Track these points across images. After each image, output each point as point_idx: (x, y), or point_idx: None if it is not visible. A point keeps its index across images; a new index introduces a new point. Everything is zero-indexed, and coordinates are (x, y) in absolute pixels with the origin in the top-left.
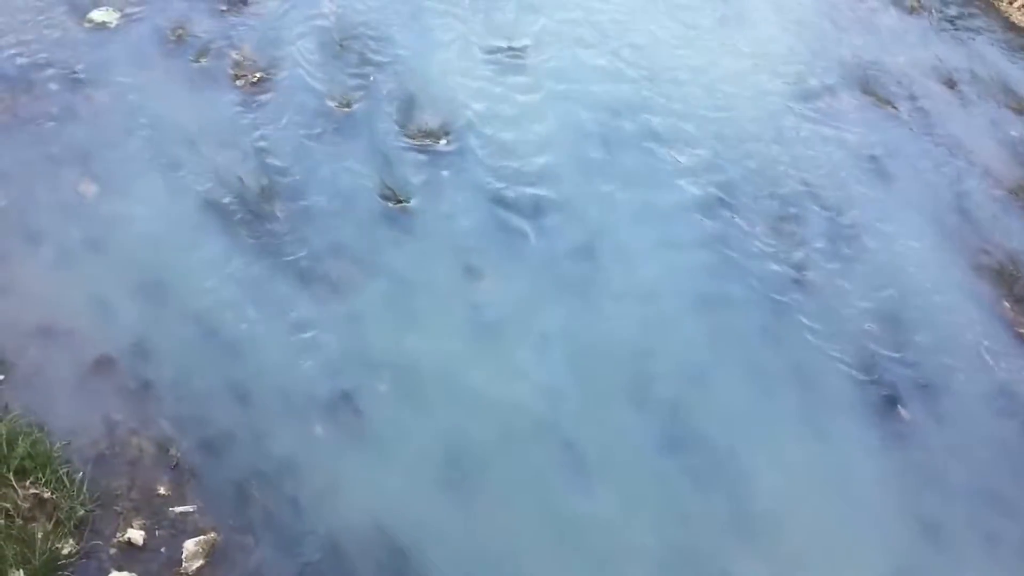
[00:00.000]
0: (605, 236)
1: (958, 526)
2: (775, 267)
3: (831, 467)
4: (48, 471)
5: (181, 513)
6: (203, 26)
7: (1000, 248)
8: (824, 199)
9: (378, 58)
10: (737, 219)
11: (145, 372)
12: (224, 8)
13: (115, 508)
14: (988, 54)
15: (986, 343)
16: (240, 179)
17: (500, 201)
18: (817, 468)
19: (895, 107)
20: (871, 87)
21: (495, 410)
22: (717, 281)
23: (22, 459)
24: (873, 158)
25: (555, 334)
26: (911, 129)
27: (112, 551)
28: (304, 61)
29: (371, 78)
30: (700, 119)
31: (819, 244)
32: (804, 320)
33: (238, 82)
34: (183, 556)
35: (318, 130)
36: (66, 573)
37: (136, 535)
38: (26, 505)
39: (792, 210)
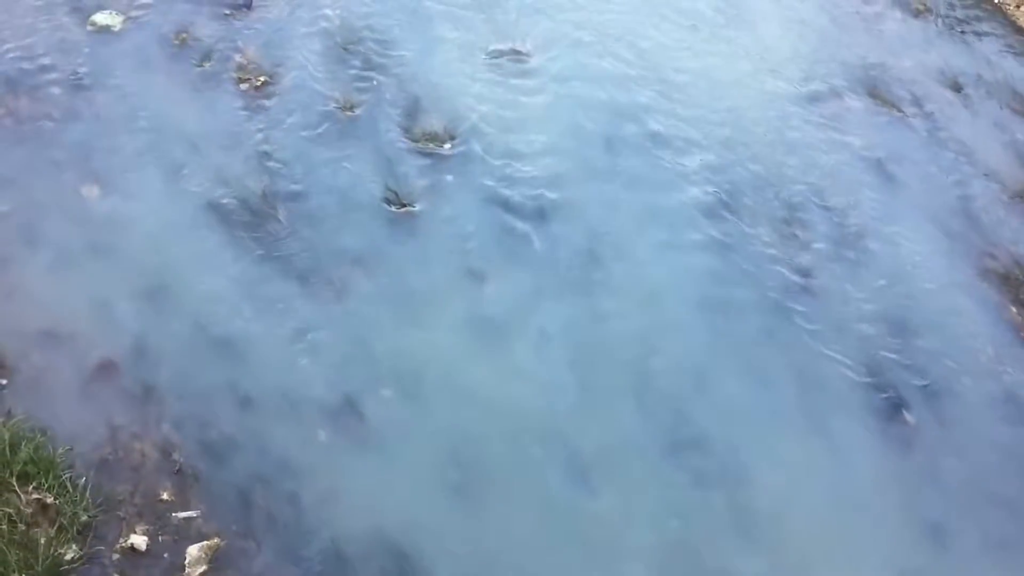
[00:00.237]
0: (609, 239)
1: (963, 531)
2: (779, 270)
3: (835, 471)
4: (51, 476)
5: (184, 518)
6: (207, 30)
7: (1006, 252)
8: (829, 202)
9: (382, 61)
10: (741, 222)
11: (148, 376)
12: (228, 12)
13: (118, 513)
14: (995, 57)
15: (992, 348)
16: (243, 183)
17: (504, 204)
18: (821, 472)
19: (901, 110)
20: (876, 90)
21: (499, 414)
22: (721, 284)
23: (25, 464)
24: (878, 161)
25: (559, 338)
26: (917, 133)
27: (115, 557)
28: (308, 64)
29: (375, 81)
30: (704, 122)
31: (824, 247)
32: (808, 323)
33: (242, 86)
34: (186, 561)
35: (322, 133)
36: None
37: (139, 540)
38: (29, 510)
39: (797, 213)
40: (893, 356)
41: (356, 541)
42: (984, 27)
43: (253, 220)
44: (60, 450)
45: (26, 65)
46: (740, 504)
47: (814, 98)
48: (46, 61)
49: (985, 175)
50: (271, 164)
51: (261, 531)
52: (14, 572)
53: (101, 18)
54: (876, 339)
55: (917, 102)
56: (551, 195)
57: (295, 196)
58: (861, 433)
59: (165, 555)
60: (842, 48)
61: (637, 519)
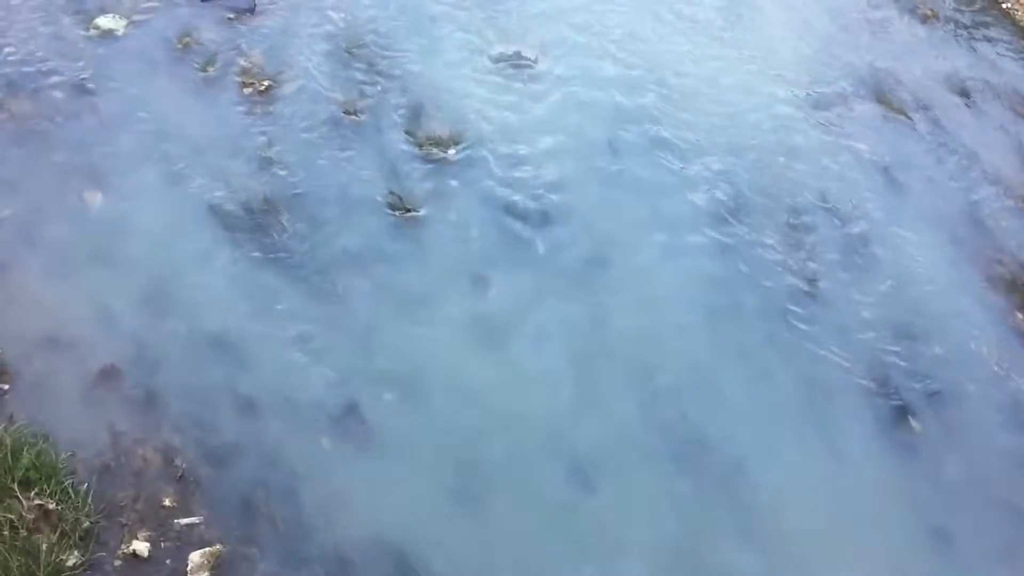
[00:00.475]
0: (614, 246)
1: (970, 538)
2: (785, 277)
3: (841, 478)
4: (53, 482)
5: (186, 525)
6: (210, 34)
7: (1013, 259)
8: (835, 209)
9: (386, 65)
10: (745, 227)
11: (150, 382)
12: (231, 16)
13: (120, 520)
14: (1002, 63)
15: (998, 354)
16: (247, 188)
17: (508, 210)
18: (827, 479)
19: (908, 116)
20: (883, 95)
21: (502, 420)
22: (725, 289)
23: (27, 470)
24: (885, 168)
25: (562, 342)
26: (923, 138)
27: (117, 563)
28: (312, 69)
29: (378, 86)
30: (710, 128)
31: (830, 254)
32: (813, 329)
33: (245, 90)
34: (188, 568)
35: (326, 138)
36: None
37: (141, 547)
38: (31, 516)
39: (803, 219)
40: (898, 362)
41: (359, 546)
42: (992, 32)
43: (256, 224)
44: (62, 456)
45: (29, 68)
46: (743, 508)
47: (820, 103)
48: (49, 65)
49: (992, 181)
50: (274, 168)
51: (263, 537)
52: None
53: (104, 22)
54: (881, 345)
55: (924, 107)
56: (555, 199)
57: (298, 200)
58: (867, 439)
59: (167, 561)
60: (848, 53)
61: (639, 524)
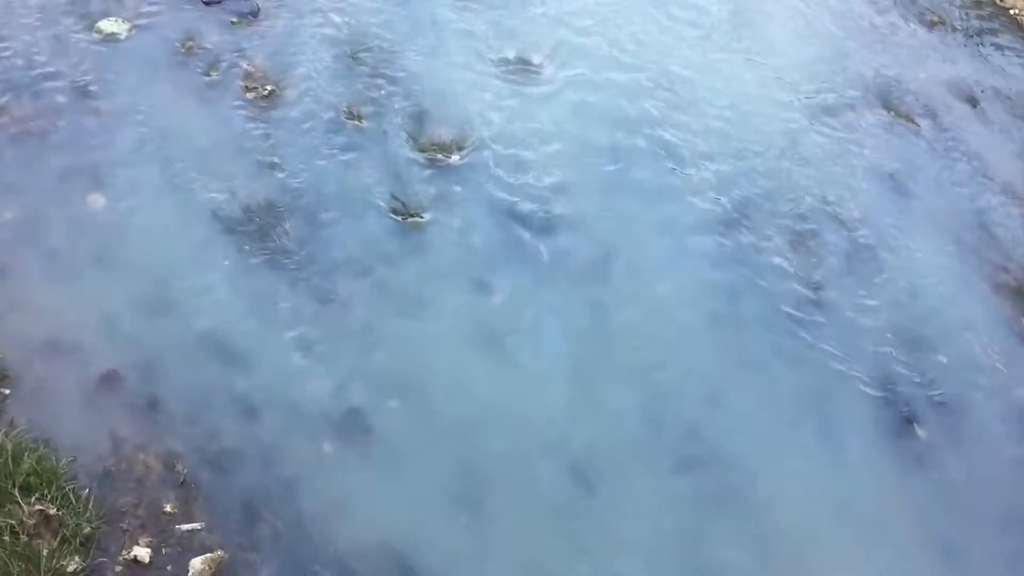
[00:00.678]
0: (618, 252)
1: (976, 548)
2: (791, 284)
3: (845, 486)
4: (54, 487)
5: (188, 531)
6: (213, 38)
7: (1020, 266)
8: (842, 216)
9: (389, 70)
10: (753, 235)
11: (151, 388)
12: (235, 20)
13: (121, 525)
14: (1010, 70)
15: (1005, 362)
16: (250, 192)
17: (512, 216)
18: (832, 488)
19: (916, 123)
20: (890, 102)
21: (505, 427)
22: (732, 298)
23: (28, 475)
24: (892, 175)
25: (567, 350)
26: (931, 145)
27: (118, 569)
28: (315, 74)
29: (383, 91)
30: (716, 134)
31: (836, 261)
32: (820, 337)
33: (248, 94)
34: (189, 574)
35: (329, 143)
36: None
37: (142, 553)
38: (31, 522)
39: (809, 227)
40: (904, 371)
41: (360, 552)
42: (999, 39)
43: (259, 229)
44: (63, 461)
45: (32, 72)
46: (745, 514)
47: (827, 109)
48: (51, 68)
49: (999, 188)
50: (277, 173)
51: (265, 544)
52: None
53: (107, 25)
54: (888, 353)
55: (931, 114)
56: (559, 206)
57: (301, 206)
58: (873, 447)
59: (168, 567)
60: (855, 59)
61: (643, 534)
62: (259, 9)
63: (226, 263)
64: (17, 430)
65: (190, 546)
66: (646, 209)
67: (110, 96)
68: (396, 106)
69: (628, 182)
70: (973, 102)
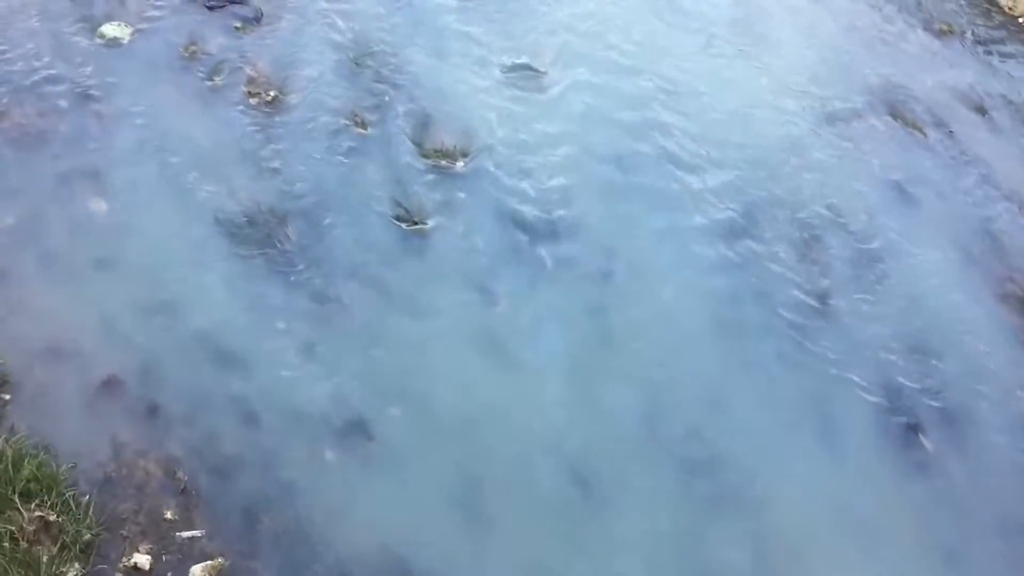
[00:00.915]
0: (623, 260)
1: (981, 558)
2: (796, 292)
3: (850, 495)
4: (54, 494)
5: (188, 538)
6: (216, 43)
7: None
8: (848, 224)
9: (394, 76)
10: (757, 243)
11: (152, 394)
12: (238, 25)
13: (122, 532)
14: (1019, 78)
15: (1010, 372)
16: (253, 198)
17: (516, 222)
18: (836, 497)
19: (922, 131)
20: (898, 111)
21: (508, 435)
22: (737, 306)
23: (28, 481)
24: (899, 183)
25: (571, 358)
26: (938, 154)
27: None
28: (319, 79)
29: (387, 97)
30: (721, 141)
31: (842, 270)
32: (825, 346)
33: (252, 100)
34: None
35: (333, 149)
36: None
37: (143, 560)
38: (31, 528)
39: (814, 234)
40: (910, 380)
41: (362, 560)
42: (1008, 47)
43: (262, 236)
44: (63, 467)
45: (34, 76)
46: (753, 527)
47: (833, 117)
48: (54, 72)
49: (1006, 197)
50: (281, 179)
51: (266, 551)
52: None
53: (109, 30)
54: (893, 362)
55: (939, 123)
56: (564, 213)
57: (304, 212)
58: (878, 457)
59: (169, 574)
60: (863, 67)
61: (643, 536)
62: (263, 14)
63: (228, 269)
64: (17, 436)
65: (191, 553)
66: (650, 215)
67: (113, 101)
68: (400, 111)
69: (633, 189)
70: (981, 110)
